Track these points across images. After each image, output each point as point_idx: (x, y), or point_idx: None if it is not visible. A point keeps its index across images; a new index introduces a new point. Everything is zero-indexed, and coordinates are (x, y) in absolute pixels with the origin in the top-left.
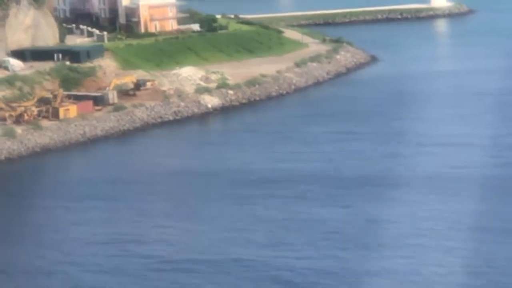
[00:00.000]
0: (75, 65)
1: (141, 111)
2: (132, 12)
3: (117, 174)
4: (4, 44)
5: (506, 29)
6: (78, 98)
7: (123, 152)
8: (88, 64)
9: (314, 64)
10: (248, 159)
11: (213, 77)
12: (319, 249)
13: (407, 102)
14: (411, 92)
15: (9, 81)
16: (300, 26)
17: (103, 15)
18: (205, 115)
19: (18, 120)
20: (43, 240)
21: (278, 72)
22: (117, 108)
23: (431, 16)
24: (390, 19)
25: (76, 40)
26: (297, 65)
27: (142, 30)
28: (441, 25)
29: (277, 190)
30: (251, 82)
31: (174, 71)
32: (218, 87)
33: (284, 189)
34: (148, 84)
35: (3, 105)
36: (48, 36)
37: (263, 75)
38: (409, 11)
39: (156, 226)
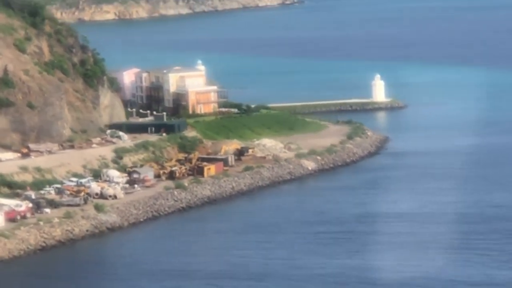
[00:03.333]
0: (182, 134)
1: (266, 171)
2: (180, 97)
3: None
4: (101, 120)
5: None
6: (205, 160)
7: (279, 200)
8: (190, 134)
9: (358, 138)
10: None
11: (292, 146)
12: None
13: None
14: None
15: (145, 146)
16: None
17: (139, 101)
18: (309, 175)
19: (172, 176)
20: None
21: (341, 143)
22: (247, 168)
23: (376, 108)
24: (342, 110)
25: (138, 119)
26: (349, 138)
27: (190, 111)
28: (384, 116)
29: None
30: (329, 151)
31: (257, 142)
32: (309, 154)
33: None
34: (250, 151)
35: (155, 165)
36: (120, 115)
37: (334, 145)
38: (357, 104)
39: None
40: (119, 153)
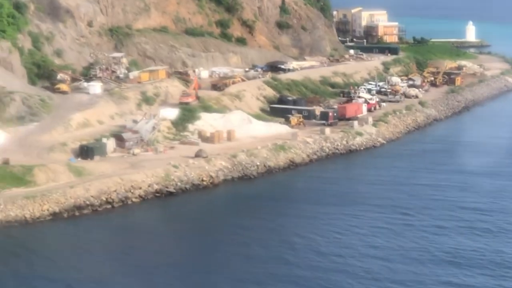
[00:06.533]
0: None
1: (493, 83)
2: (370, 29)
3: None
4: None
5: None
6: (446, 74)
7: None
8: (403, 55)
9: None
10: None
11: (485, 67)
12: None
13: None
14: None
15: (398, 61)
16: None
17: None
18: None
19: (432, 84)
20: None
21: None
22: (481, 81)
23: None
24: None
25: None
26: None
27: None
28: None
29: None
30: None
31: (457, 62)
32: (507, 72)
33: None
34: (464, 69)
35: (418, 75)
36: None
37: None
38: (457, 43)
39: None
40: (386, 65)
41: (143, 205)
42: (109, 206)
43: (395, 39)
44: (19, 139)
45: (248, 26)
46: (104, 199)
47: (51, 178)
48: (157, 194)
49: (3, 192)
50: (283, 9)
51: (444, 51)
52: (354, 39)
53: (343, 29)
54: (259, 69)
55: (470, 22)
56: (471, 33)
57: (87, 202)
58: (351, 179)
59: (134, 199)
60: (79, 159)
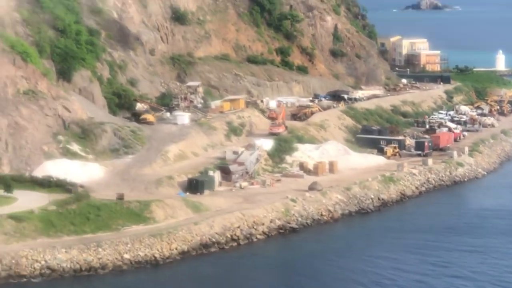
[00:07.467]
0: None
1: None
2: (412, 58)
3: None
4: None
5: None
6: (509, 102)
7: None
8: (455, 84)
9: None
10: None
11: None
12: None
13: None
14: None
15: (459, 90)
16: None
17: None
18: None
19: (500, 112)
20: None
21: None
22: None
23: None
24: None
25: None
26: None
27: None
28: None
29: None
30: None
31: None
32: None
33: None
34: None
35: (484, 103)
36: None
37: None
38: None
39: None
40: (449, 94)
41: (269, 242)
42: (235, 244)
43: (437, 67)
44: (120, 173)
45: (308, 54)
46: (229, 236)
47: (169, 214)
48: (280, 231)
49: (123, 230)
50: (336, 36)
51: (490, 80)
52: (397, 68)
53: (383, 58)
54: (322, 98)
55: (500, 51)
56: (501, 62)
57: (213, 240)
58: (480, 210)
59: (258, 236)
60: (187, 193)
